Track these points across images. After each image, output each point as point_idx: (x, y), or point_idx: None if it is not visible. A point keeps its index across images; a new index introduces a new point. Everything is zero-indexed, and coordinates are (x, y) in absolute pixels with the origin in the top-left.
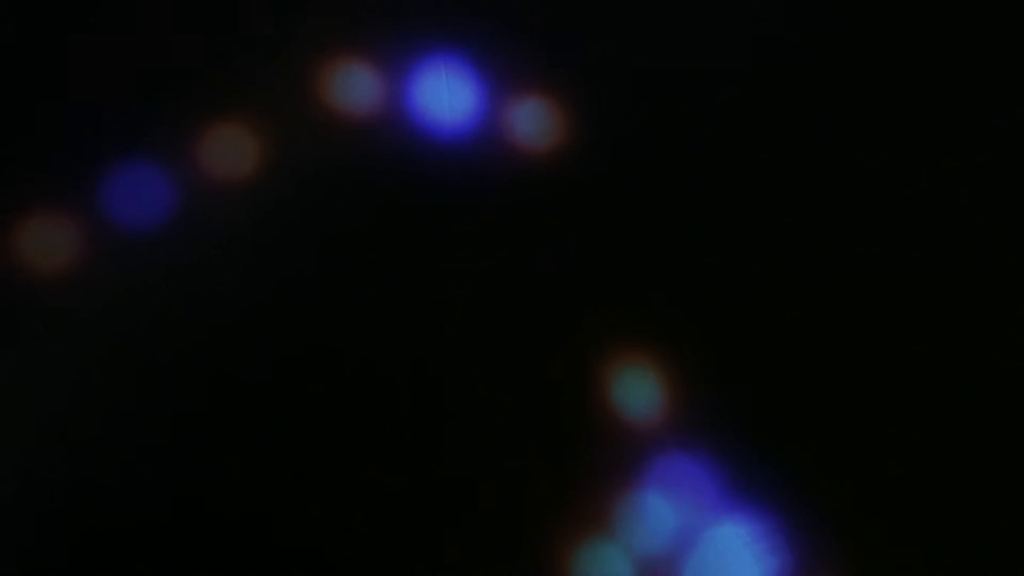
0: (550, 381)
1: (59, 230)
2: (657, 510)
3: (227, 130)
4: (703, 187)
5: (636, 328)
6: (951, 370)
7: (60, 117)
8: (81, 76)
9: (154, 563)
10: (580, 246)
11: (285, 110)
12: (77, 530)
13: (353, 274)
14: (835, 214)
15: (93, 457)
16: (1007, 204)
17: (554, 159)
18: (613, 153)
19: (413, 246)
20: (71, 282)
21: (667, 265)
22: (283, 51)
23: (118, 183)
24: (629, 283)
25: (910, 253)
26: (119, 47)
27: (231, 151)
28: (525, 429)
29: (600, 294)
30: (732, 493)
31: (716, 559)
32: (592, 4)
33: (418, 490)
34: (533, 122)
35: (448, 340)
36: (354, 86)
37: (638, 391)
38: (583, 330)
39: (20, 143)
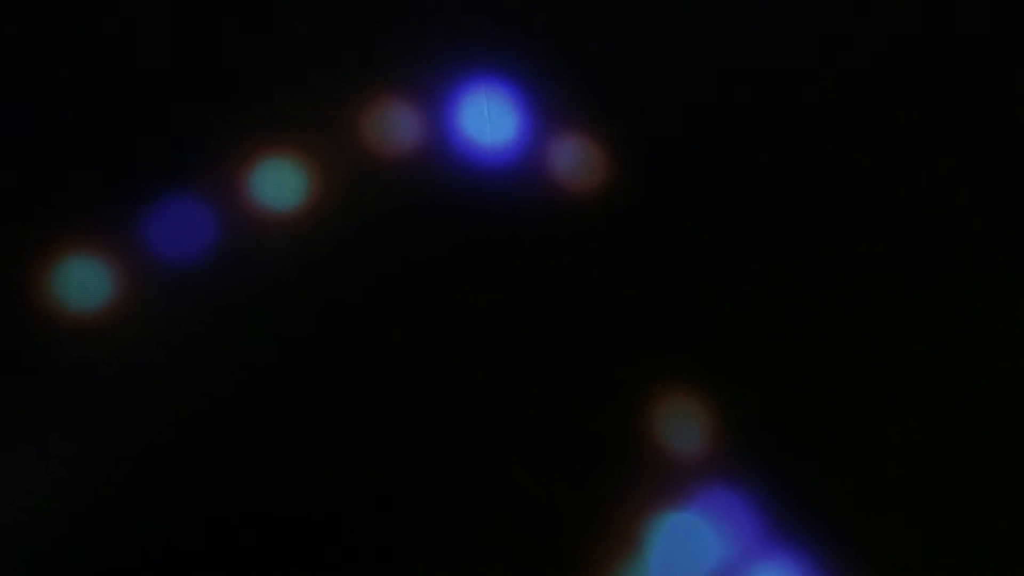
0: (591, 410)
1: (102, 266)
2: (697, 543)
3: (271, 165)
4: (746, 223)
5: (678, 360)
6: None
7: (102, 153)
8: (123, 112)
9: None
10: (622, 277)
11: (328, 145)
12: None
13: (395, 306)
14: (892, 252)
15: (135, 493)
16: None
17: (595, 191)
18: (655, 186)
19: (456, 278)
20: (113, 318)
21: (709, 298)
22: (326, 85)
23: (162, 219)
24: (671, 315)
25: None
26: (162, 82)
27: (275, 187)
28: (565, 456)
29: (642, 326)
30: (772, 530)
31: None
32: (632, 38)
33: (459, 513)
34: (575, 155)
35: (491, 370)
36: (396, 120)
37: (680, 423)
38: (625, 362)
39: (62, 179)
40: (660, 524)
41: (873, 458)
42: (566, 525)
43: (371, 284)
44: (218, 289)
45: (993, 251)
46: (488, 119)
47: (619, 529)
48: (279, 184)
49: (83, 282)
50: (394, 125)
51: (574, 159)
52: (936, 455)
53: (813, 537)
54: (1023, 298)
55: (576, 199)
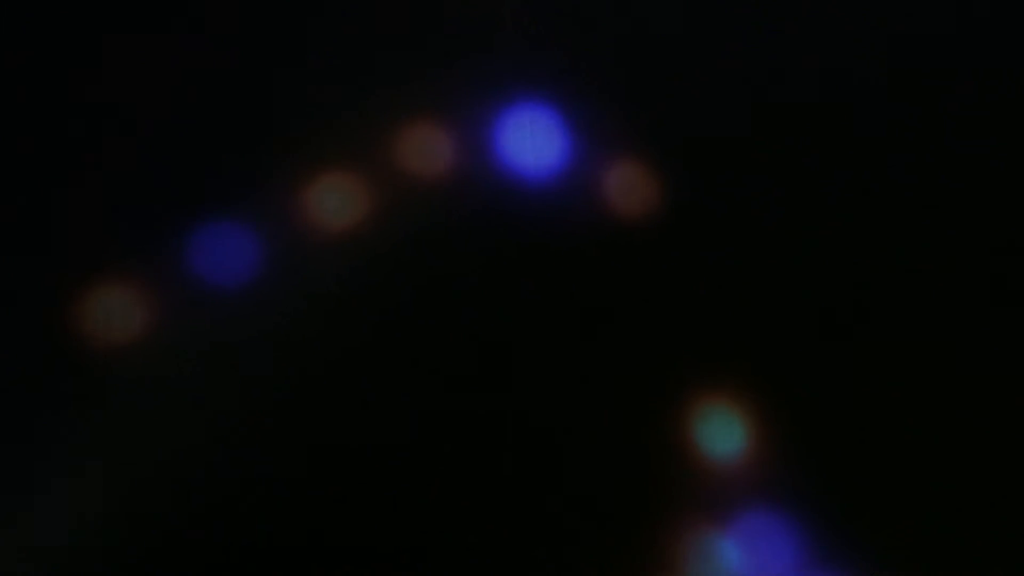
0: (637, 428)
1: (144, 290)
2: (737, 562)
3: (315, 189)
4: (788, 243)
5: (724, 379)
6: None
7: (142, 178)
8: (162, 137)
9: None
10: (666, 296)
11: (372, 168)
12: None
13: (441, 329)
14: (933, 273)
15: (182, 515)
16: None
17: (640, 214)
18: (698, 209)
19: (500, 298)
20: (156, 340)
21: (753, 315)
22: (369, 108)
23: (204, 243)
24: (717, 335)
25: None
26: (205, 108)
27: (320, 210)
28: (608, 471)
29: (687, 345)
30: (812, 552)
31: None
32: (675, 63)
33: (499, 529)
34: (617, 176)
35: (533, 389)
36: (439, 143)
37: (725, 441)
38: (671, 381)
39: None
40: (700, 542)
41: (916, 479)
42: (605, 543)
43: (413, 305)
44: (259, 311)
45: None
46: (531, 141)
47: (657, 548)
48: (324, 207)
49: (124, 307)
50: (437, 148)
51: (616, 180)
52: (985, 479)
53: (854, 557)
54: None
55: (618, 219)
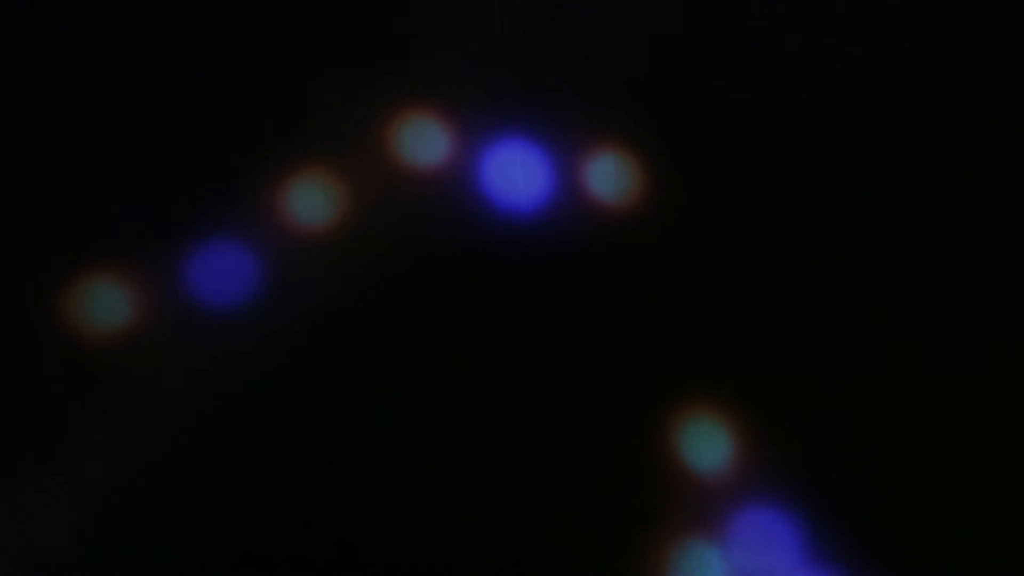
0: (624, 437)
1: (134, 287)
2: (731, 565)
3: (303, 188)
4: (778, 243)
5: (712, 384)
6: None
7: (132, 175)
8: (151, 138)
9: None
10: (651, 301)
11: (358, 170)
12: None
13: (431, 334)
14: (925, 279)
15: (175, 527)
16: None
17: (625, 218)
18: (684, 211)
19: (489, 301)
20: (147, 338)
21: (743, 321)
22: (355, 114)
23: (188, 251)
24: (704, 339)
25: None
26: (193, 108)
27: (308, 208)
28: (597, 479)
29: (674, 349)
30: (807, 551)
31: None
32: (659, 63)
33: (483, 535)
34: (606, 181)
35: (518, 396)
36: (429, 146)
37: (713, 446)
38: (657, 386)
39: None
40: (690, 547)
41: (907, 477)
42: (594, 550)
43: (407, 313)
44: (248, 311)
45: None
46: (519, 162)
47: (648, 554)
48: (312, 205)
49: (112, 308)
50: (428, 152)
51: (607, 184)
52: (976, 473)
53: (846, 557)
54: None
55: (608, 224)
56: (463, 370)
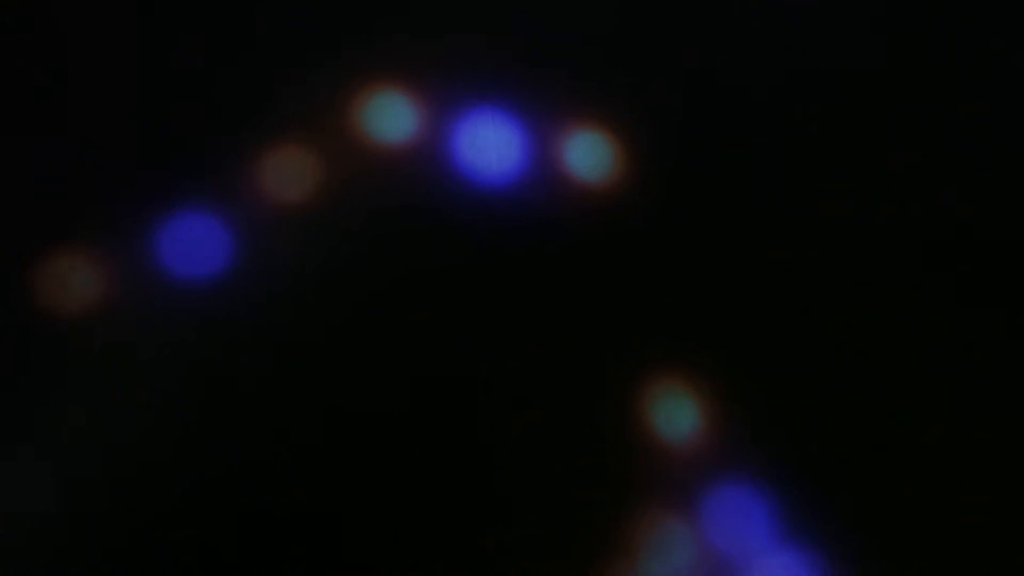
0: (598, 411)
1: (100, 271)
2: (700, 539)
3: (273, 164)
4: (756, 217)
5: (686, 359)
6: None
7: (95, 160)
8: (121, 111)
9: None
10: (628, 276)
11: (329, 145)
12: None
13: (402, 307)
14: (898, 248)
15: (145, 502)
16: None
17: (600, 193)
18: (659, 185)
19: (463, 273)
20: (118, 312)
21: (720, 296)
22: (325, 86)
23: (157, 224)
24: (680, 314)
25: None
26: (160, 81)
27: (280, 181)
28: (566, 455)
29: (650, 324)
30: (778, 525)
31: None
32: (637, 34)
33: (457, 510)
34: (580, 156)
35: (494, 372)
36: (400, 120)
37: (685, 419)
38: (631, 362)
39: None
40: (663, 523)
41: (881, 452)
42: (567, 525)
43: (374, 286)
44: (219, 286)
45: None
46: (493, 120)
47: (621, 528)
48: (284, 179)
49: (84, 283)
50: (399, 126)
51: (581, 159)
52: (946, 448)
53: (818, 533)
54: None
55: (582, 199)
56: (435, 342)
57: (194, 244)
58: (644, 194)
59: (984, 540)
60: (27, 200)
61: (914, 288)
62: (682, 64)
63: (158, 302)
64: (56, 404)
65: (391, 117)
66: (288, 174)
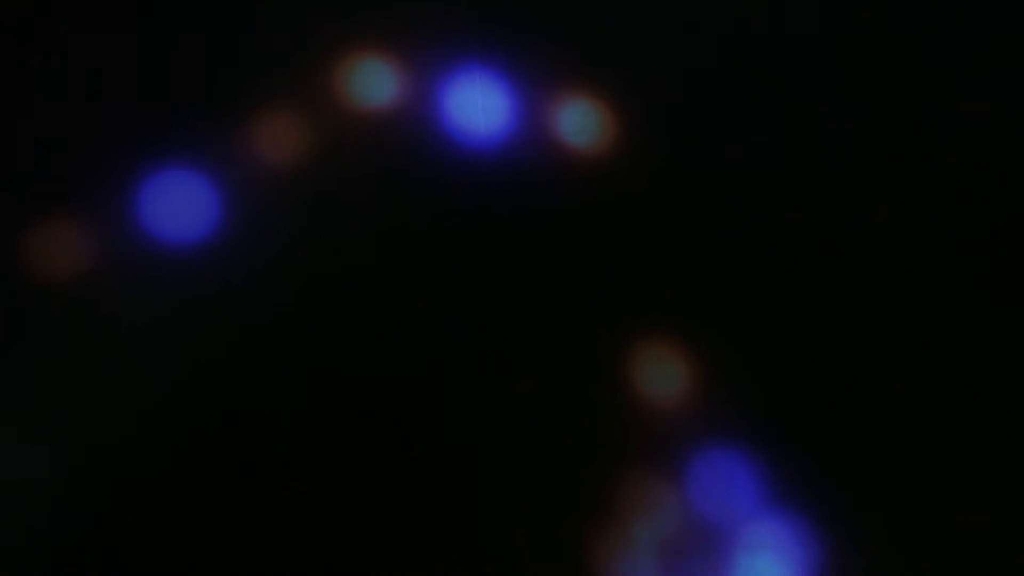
0: (586, 376)
1: (85, 238)
2: (688, 504)
3: (261, 129)
4: (744, 186)
5: (674, 325)
6: (989, 372)
7: (83, 125)
8: (110, 81)
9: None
10: (617, 242)
11: (314, 114)
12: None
13: (390, 274)
14: (881, 219)
15: (129, 467)
16: None
17: (588, 159)
18: (648, 152)
19: (451, 241)
20: (100, 287)
21: (708, 263)
22: (309, 53)
23: (144, 190)
24: (668, 280)
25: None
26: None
27: (267, 146)
28: (554, 418)
29: (638, 291)
30: (765, 491)
31: (746, 555)
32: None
33: (443, 479)
34: (570, 122)
35: (480, 333)
36: (387, 82)
37: (670, 383)
38: (620, 329)
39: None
40: (652, 490)
41: (868, 417)
42: (556, 491)
43: (365, 252)
44: (204, 260)
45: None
46: (481, 85)
47: (610, 495)
48: (272, 144)
49: (70, 249)
50: (387, 92)
51: (571, 125)
52: (929, 417)
53: (806, 498)
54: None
55: (571, 165)
56: (424, 306)
57: (181, 209)
58: (633, 159)
59: (971, 504)
60: (14, 165)
61: (900, 251)
62: (673, 30)
63: (146, 267)
64: (42, 372)
65: (378, 80)
66: (277, 139)
